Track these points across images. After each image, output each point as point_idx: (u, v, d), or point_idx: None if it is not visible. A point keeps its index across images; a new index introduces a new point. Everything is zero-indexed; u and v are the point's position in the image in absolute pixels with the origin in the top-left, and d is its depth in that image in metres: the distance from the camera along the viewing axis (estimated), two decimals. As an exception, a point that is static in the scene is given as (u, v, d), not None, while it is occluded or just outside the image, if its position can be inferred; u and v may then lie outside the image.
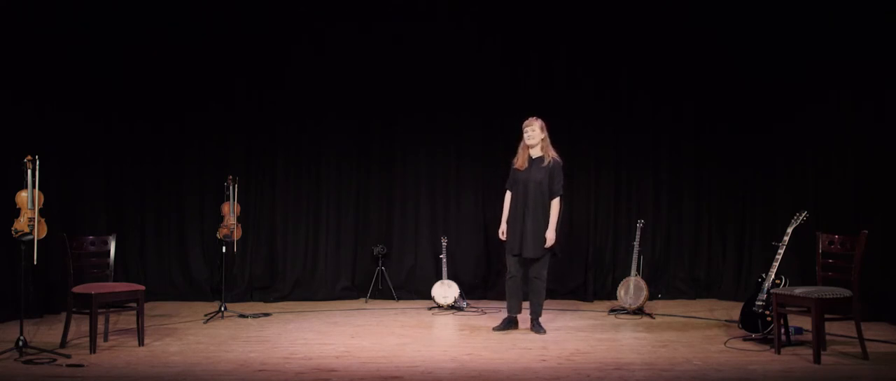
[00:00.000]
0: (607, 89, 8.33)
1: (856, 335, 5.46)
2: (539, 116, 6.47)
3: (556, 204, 6.35)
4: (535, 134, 6.36)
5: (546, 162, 6.35)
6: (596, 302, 8.08)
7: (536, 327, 6.37)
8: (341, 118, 8.30)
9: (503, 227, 6.53)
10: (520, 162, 6.44)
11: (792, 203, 7.16)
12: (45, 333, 6.32)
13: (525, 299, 6.51)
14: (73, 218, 7.37)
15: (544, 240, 6.29)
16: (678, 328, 6.62)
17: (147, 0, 7.92)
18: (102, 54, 7.82)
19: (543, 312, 6.50)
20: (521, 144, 6.46)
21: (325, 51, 8.24)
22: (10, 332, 5.89)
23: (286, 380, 4.93)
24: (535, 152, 6.40)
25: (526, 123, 6.42)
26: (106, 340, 5.99)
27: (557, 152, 6.48)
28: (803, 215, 6.03)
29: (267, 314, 7.31)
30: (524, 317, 6.52)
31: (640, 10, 8.18)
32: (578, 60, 8.29)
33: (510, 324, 6.52)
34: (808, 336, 5.74)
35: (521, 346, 5.86)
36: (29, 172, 5.69)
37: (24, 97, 7.07)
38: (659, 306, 7.77)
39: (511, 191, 6.52)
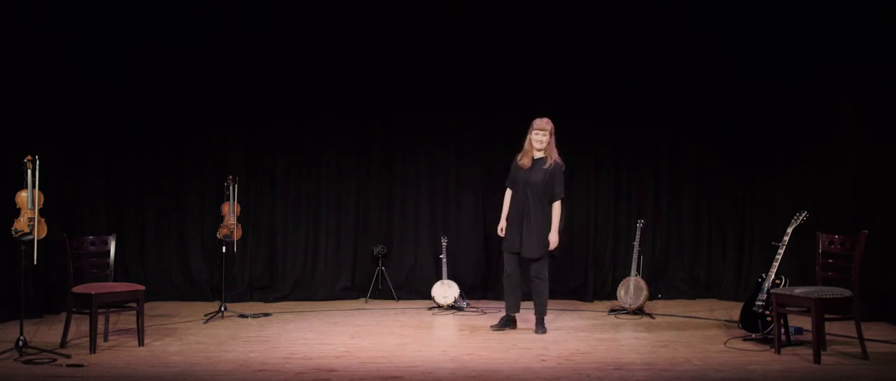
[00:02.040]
0: (607, 89, 8.33)
1: (856, 335, 5.46)
2: (539, 116, 6.44)
3: (557, 207, 6.33)
4: (546, 139, 6.32)
5: (548, 164, 6.33)
6: (596, 302, 8.07)
7: (540, 328, 6.35)
8: (341, 118, 8.30)
9: (502, 223, 6.52)
10: (525, 161, 6.39)
11: (792, 203, 7.15)
12: (45, 333, 6.32)
13: (527, 299, 6.51)
14: (73, 218, 7.37)
15: (545, 241, 6.28)
16: (678, 328, 6.62)
17: (147, 0, 7.92)
18: (102, 54, 7.81)
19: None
20: (527, 142, 6.41)
21: (325, 51, 8.23)
22: (10, 332, 5.89)
23: (286, 380, 4.93)
24: (539, 153, 6.39)
25: (539, 125, 6.30)
26: (106, 340, 5.99)
27: (558, 153, 6.47)
28: (803, 215, 6.03)
29: (267, 314, 7.31)
30: (523, 316, 6.52)
31: (640, 10, 8.17)
32: (578, 60, 8.29)
33: (508, 323, 6.52)
34: (808, 336, 5.74)
35: (521, 346, 5.86)
36: (29, 172, 5.69)
37: (24, 97, 7.06)
38: (659, 306, 7.77)
39: (511, 189, 6.50)
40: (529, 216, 6.30)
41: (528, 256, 6.33)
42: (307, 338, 6.21)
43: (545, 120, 6.37)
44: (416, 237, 8.41)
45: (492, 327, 6.54)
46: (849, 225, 6.50)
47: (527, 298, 6.51)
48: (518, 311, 6.53)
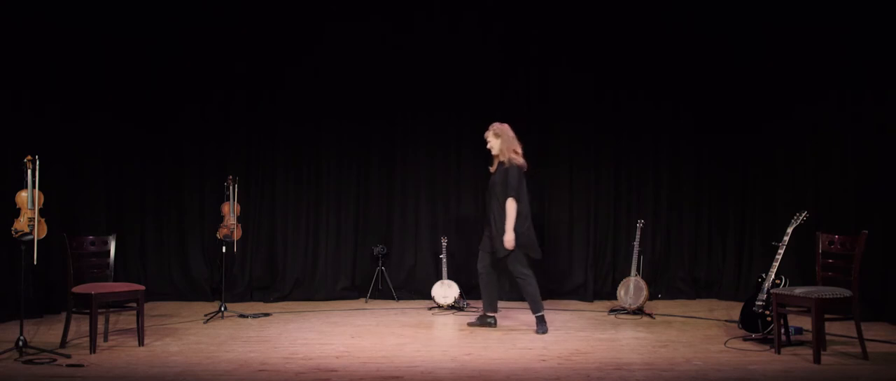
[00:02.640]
0: (607, 89, 8.32)
1: (856, 335, 5.45)
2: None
3: (507, 206, 6.33)
4: (492, 142, 6.49)
5: (502, 166, 6.43)
6: (596, 302, 8.07)
7: (540, 327, 6.35)
8: (341, 118, 8.29)
9: None
10: (493, 166, 6.57)
11: (792, 203, 7.15)
12: (45, 333, 6.32)
13: (521, 300, 6.52)
14: (73, 218, 7.37)
15: (504, 241, 6.32)
16: (678, 328, 6.62)
17: (147, 0, 7.93)
18: (103, 54, 7.81)
19: (544, 312, 6.42)
20: None
21: (326, 51, 8.23)
22: (10, 332, 5.89)
23: (286, 380, 4.93)
24: (498, 158, 6.50)
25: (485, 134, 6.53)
26: (106, 340, 5.99)
27: (517, 154, 6.43)
28: (803, 215, 6.03)
29: (267, 314, 7.31)
30: (519, 315, 6.52)
31: (640, 10, 8.17)
32: (578, 61, 8.27)
33: (485, 322, 6.58)
34: (808, 336, 5.74)
35: (521, 346, 5.86)
36: (29, 172, 5.70)
37: (23, 97, 7.06)
38: (659, 306, 7.77)
39: None
40: (494, 216, 6.42)
41: (496, 255, 6.45)
42: (307, 338, 6.21)
43: (490, 125, 6.52)
44: (416, 237, 8.40)
45: (468, 322, 6.66)
46: (849, 225, 6.50)
47: (520, 299, 6.52)
48: (494, 310, 6.60)
